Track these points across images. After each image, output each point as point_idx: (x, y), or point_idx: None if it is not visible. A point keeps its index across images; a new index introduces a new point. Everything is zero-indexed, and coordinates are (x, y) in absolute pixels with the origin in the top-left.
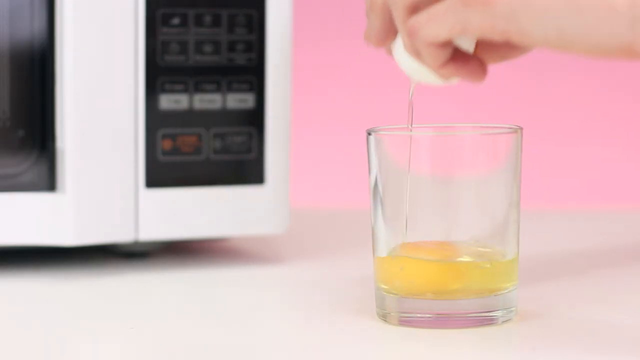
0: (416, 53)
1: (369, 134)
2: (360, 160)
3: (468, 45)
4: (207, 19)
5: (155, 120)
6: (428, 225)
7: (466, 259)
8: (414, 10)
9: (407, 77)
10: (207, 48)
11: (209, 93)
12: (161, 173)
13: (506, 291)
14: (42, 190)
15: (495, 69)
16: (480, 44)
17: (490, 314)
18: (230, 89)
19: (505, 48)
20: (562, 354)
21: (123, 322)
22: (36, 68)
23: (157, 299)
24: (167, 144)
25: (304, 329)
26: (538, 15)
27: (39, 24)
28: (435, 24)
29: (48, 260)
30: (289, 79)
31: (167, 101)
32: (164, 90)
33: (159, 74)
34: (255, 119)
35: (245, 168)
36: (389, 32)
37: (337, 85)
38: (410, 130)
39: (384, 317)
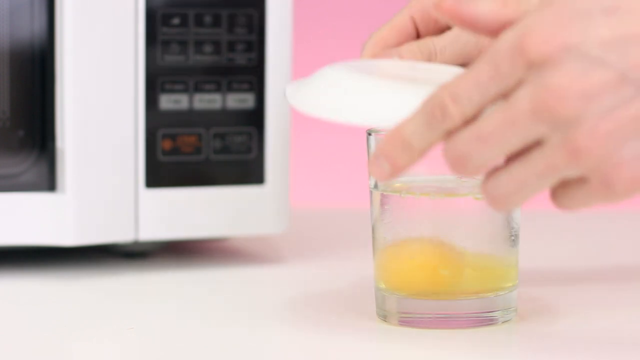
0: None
1: (369, 134)
2: (360, 160)
3: None
4: (207, 19)
5: (155, 120)
6: (427, 225)
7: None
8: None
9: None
10: (207, 48)
11: (209, 93)
12: (161, 173)
13: (506, 291)
14: (42, 190)
15: None
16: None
17: (490, 314)
18: (230, 89)
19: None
20: (562, 354)
21: (123, 322)
22: (36, 68)
23: (157, 299)
24: (167, 144)
25: (303, 329)
26: None
27: (39, 24)
28: (520, 194)
29: (48, 260)
30: (289, 79)
31: (167, 101)
32: (164, 90)
33: (159, 74)
34: (255, 119)
35: (245, 168)
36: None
37: None
38: None
39: (384, 317)
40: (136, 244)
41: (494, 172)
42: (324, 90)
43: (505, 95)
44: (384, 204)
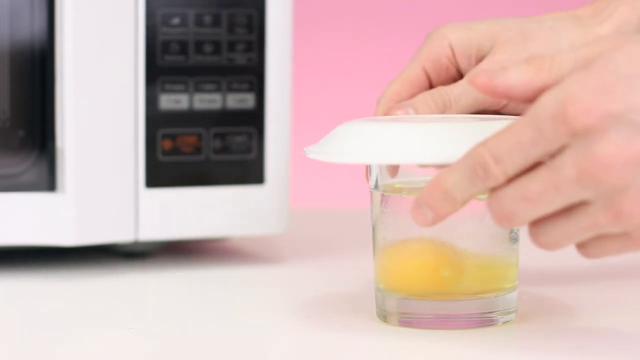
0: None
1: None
2: None
3: None
4: (207, 19)
5: (155, 120)
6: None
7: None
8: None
9: None
10: (207, 48)
11: (209, 93)
12: (161, 173)
13: (506, 292)
14: (42, 190)
15: None
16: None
17: (490, 314)
18: (230, 89)
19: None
20: (562, 355)
21: (123, 322)
22: (36, 68)
23: (157, 299)
24: (167, 144)
25: (303, 329)
26: None
27: (39, 24)
28: (564, 242)
29: (48, 260)
30: (289, 79)
31: (167, 101)
32: (164, 90)
33: (159, 74)
34: (255, 119)
35: (245, 168)
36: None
37: (337, 85)
38: None
39: (384, 317)
40: (136, 244)
41: (539, 221)
42: (346, 141)
43: (548, 155)
44: (384, 204)
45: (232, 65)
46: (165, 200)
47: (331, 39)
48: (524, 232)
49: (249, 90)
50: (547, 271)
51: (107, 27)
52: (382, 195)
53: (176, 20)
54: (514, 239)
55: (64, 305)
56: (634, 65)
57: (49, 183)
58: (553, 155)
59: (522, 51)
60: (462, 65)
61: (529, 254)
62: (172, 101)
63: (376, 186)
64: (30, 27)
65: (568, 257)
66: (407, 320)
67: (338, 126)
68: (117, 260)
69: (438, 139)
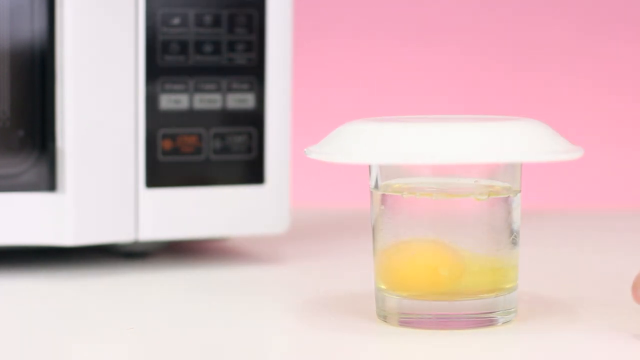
0: None
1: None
2: None
3: None
4: (207, 19)
5: (155, 120)
6: (428, 225)
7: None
8: None
9: None
10: (207, 48)
11: (209, 93)
12: (161, 173)
13: (506, 292)
14: (42, 190)
15: (498, 70)
16: None
17: (490, 315)
18: (230, 89)
19: None
20: (562, 355)
21: (123, 322)
22: (36, 68)
23: (157, 299)
24: (167, 144)
25: (303, 329)
26: None
27: (39, 23)
28: None
29: (48, 260)
30: (289, 79)
31: (167, 101)
32: (164, 90)
33: (159, 74)
34: (255, 119)
35: (245, 168)
36: None
37: (337, 85)
38: None
39: (384, 317)
40: (136, 244)
41: None
42: (347, 141)
43: None
44: (384, 204)
45: (232, 65)
46: (165, 200)
47: (331, 39)
48: (524, 232)
49: (249, 90)
50: (547, 271)
51: (107, 27)
52: (382, 195)
53: (176, 20)
54: (514, 239)
55: (64, 305)
56: None
57: (49, 183)
58: None
59: None
60: None
61: (529, 254)
62: (172, 101)
63: (376, 186)
64: (30, 27)
65: (568, 257)
66: (407, 320)
67: (339, 126)
68: (117, 260)
69: (437, 139)
